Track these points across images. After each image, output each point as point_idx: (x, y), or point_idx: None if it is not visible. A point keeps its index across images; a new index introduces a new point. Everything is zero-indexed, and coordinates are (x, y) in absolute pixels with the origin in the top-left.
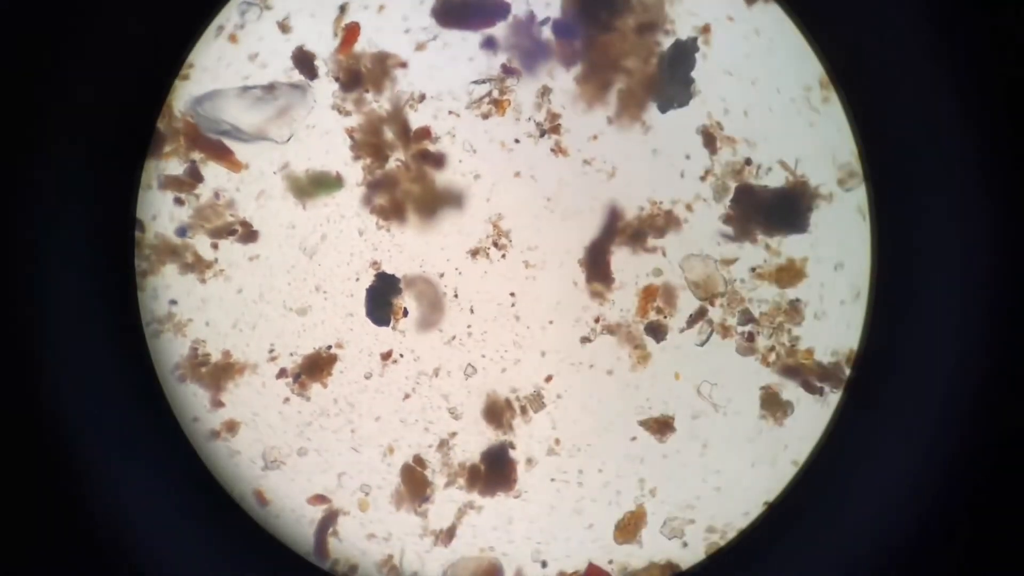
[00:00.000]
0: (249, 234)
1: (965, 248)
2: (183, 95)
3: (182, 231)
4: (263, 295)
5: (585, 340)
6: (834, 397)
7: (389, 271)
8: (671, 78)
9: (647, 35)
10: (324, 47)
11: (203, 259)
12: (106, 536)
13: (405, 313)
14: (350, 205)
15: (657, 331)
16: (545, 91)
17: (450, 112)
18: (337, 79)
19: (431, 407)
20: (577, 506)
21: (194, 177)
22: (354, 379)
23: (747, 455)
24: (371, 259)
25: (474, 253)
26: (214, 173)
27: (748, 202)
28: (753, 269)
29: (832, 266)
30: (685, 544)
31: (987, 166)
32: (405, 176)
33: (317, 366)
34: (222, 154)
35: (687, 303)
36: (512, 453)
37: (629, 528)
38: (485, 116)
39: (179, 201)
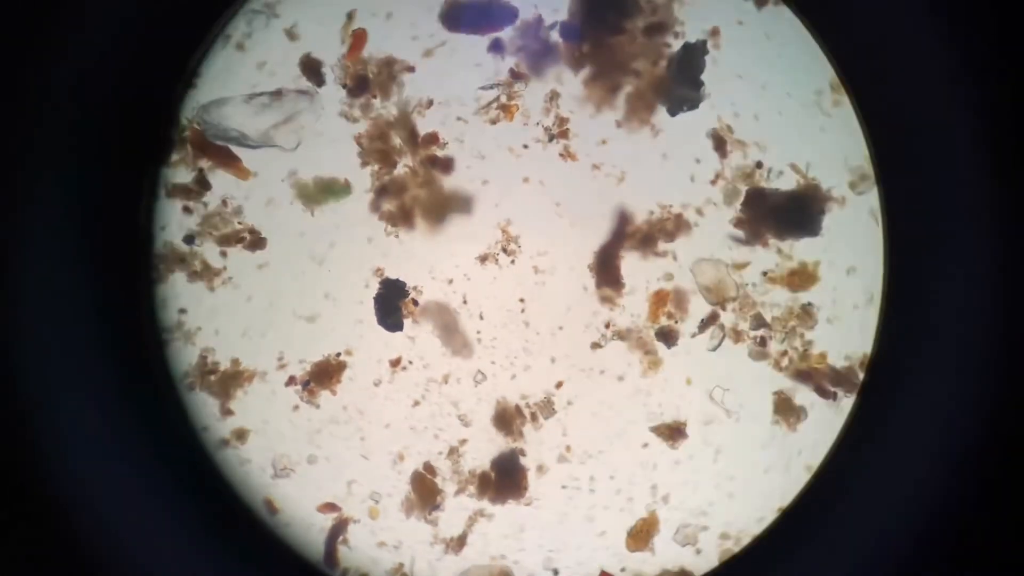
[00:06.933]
0: (257, 242)
1: (978, 251)
2: (190, 103)
3: (190, 239)
4: (272, 303)
5: (596, 346)
6: (847, 402)
7: (399, 277)
8: (681, 81)
9: (656, 37)
10: (331, 54)
11: (212, 267)
12: (116, 545)
13: (415, 303)
14: (358, 212)
15: (668, 336)
16: (553, 96)
17: (458, 118)
18: (344, 85)
19: (441, 414)
20: (589, 513)
21: (202, 185)
22: (363, 386)
23: (760, 461)
24: (379, 265)
25: (483, 259)
26: (222, 181)
27: (759, 205)
28: (765, 273)
29: (844, 270)
30: (698, 551)
31: (999, 168)
32: (413, 182)
33: (326, 373)
34: (230, 162)
35: (698, 308)
36: (523, 460)
37: (641, 535)
38: (493, 121)
39: (187, 209)
